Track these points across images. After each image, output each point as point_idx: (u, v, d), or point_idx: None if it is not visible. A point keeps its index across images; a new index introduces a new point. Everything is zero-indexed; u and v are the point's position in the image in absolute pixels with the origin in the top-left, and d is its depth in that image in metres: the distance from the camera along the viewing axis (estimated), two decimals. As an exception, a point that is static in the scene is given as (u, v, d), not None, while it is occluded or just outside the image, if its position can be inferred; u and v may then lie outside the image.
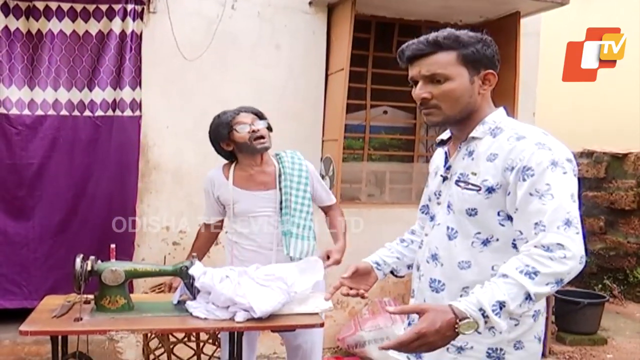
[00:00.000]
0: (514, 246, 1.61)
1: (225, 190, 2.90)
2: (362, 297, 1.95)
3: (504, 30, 4.37)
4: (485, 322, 1.41)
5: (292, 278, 2.57)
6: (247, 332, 2.74)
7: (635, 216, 5.87)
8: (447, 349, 1.67)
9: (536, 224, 1.49)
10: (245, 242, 2.91)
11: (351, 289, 1.93)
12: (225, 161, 2.97)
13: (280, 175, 2.87)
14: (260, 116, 2.87)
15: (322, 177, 4.24)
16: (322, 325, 2.52)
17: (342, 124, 3.99)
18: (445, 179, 1.77)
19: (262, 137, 2.79)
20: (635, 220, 5.87)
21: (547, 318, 1.84)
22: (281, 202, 2.86)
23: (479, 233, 1.66)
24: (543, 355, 3.43)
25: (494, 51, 1.70)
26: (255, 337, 3.04)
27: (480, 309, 1.40)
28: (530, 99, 4.73)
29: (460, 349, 1.67)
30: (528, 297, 1.42)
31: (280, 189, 2.86)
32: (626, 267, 5.89)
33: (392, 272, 2.05)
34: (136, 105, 3.77)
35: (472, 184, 1.65)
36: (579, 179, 1.59)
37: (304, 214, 2.89)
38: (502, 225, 1.62)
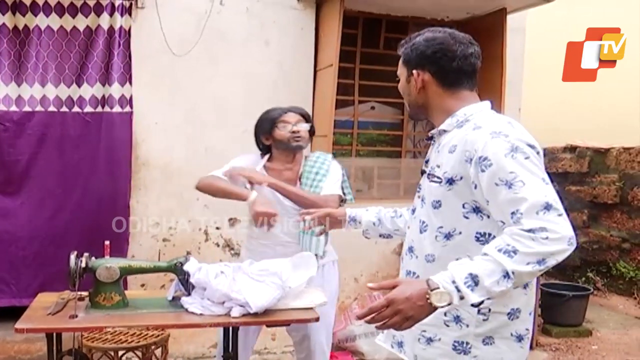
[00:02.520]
0: (477, 239, 1.62)
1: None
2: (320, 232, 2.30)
3: (490, 27, 4.41)
4: (462, 298, 1.42)
5: (287, 273, 2.57)
6: (245, 329, 2.80)
7: (618, 210, 5.96)
8: (419, 339, 1.73)
9: (513, 213, 1.47)
10: (261, 236, 2.89)
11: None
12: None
13: (301, 176, 2.93)
14: (306, 118, 2.95)
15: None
16: (317, 319, 2.53)
17: (332, 120, 4.00)
18: (423, 172, 1.82)
19: (300, 136, 2.87)
20: (618, 214, 5.96)
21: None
22: None
23: (441, 227, 1.68)
24: (530, 347, 3.45)
25: (433, 51, 1.70)
26: (252, 334, 3.03)
27: (453, 281, 1.42)
28: (515, 94, 4.78)
29: (429, 340, 1.71)
30: (506, 274, 1.41)
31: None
32: (609, 260, 5.98)
33: (363, 232, 2.22)
34: (126, 101, 3.74)
35: (436, 176, 1.68)
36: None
37: None
38: (467, 217, 1.63)
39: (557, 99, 6.77)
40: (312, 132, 2.97)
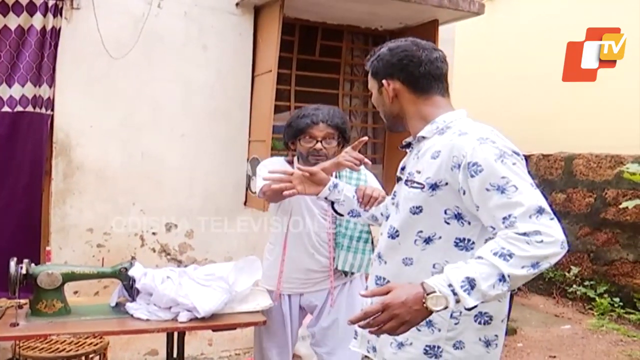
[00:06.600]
0: (456, 244, 1.64)
1: None
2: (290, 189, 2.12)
3: (422, 37, 4.49)
4: (457, 301, 1.41)
5: (233, 277, 2.60)
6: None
7: (537, 214, 6.26)
8: (390, 343, 1.72)
9: (505, 218, 1.47)
10: (295, 242, 2.73)
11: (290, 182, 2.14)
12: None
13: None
14: (341, 130, 2.66)
15: (249, 177, 4.28)
16: (264, 323, 2.56)
17: (270, 125, 4.02)
18: (399, 179, 1.83)
19: (321, 156, 2.60)
20: (537, 218, 6.26)
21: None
22: None
23: (421, 231, 1.68)
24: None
25: (399, 58, 1.74)
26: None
27: (449, 285, 1.41)
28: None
29: (400, 345, 1.70)
30: (502, 278, 1.40)
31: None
32: (529, 262, 6.27)
33: (333, 203, 2.16)
34: (50, 103, 3.66)
35: (417, 182, 1.68)
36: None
37: (358, 225, 2.72)
38: (448, 223, 1.64)
39: (558, 101, 6.89)
40: (347, 139, 2.71)
